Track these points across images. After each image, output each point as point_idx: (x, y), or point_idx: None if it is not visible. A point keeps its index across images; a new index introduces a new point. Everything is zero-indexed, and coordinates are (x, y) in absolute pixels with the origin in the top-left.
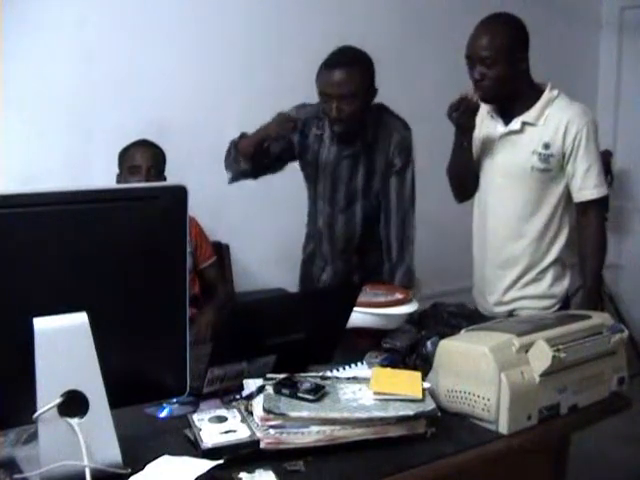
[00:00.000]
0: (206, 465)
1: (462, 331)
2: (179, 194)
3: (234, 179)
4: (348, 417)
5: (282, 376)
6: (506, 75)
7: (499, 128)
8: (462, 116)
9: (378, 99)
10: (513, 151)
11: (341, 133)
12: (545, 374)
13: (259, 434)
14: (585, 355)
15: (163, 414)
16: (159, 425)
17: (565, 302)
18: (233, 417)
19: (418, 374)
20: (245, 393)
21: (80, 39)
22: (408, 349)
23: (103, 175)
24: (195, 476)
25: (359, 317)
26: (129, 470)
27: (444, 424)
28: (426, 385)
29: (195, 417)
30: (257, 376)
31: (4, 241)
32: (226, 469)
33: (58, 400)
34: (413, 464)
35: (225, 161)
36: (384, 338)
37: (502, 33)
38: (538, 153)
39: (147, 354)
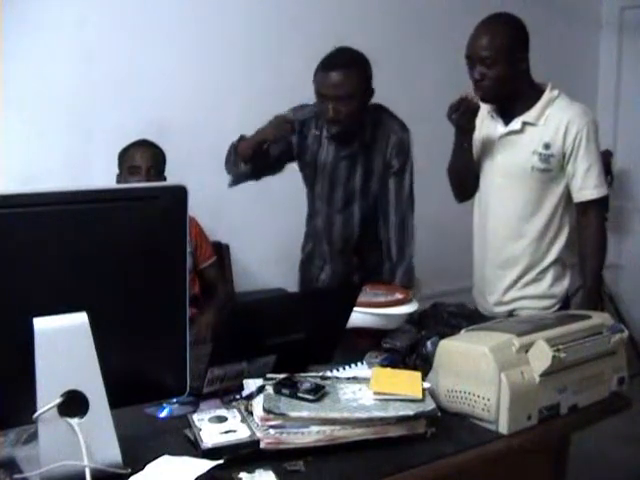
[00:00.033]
0: (206, 465)
1: (462, 331)
2: (179, 194)
3: (235, 182)
4: (348, 417)
5: (282, 376)
6: (506, 75)
7: (499, 128)
8: (462, 117)
9: (378, 99)
10: (513, 151)
11: (338, 134)
12: (545, 374)
13: (259, 434)
14: (585, 355)
15: (163, 414)
16: (159, 425)
17: (565, 302)
18: (233, 417)
19: (418, 374)
20: (245, 393)
21: (80, 39)
22: (408, 349)
23: (103, 175)
24: (195, 476)
25: (359, 317)
26: (129, 470)
27: (444, 424)
28: (426, 385)
29: (195, 417)
30: (257, 376)
31: (4, 241)
32: (226, 469)
33: (58, 400)
34: (413, 464)
35: (225, 164)
36: (384, 338)
37: (502, 33)
38: (538, 153)
39: (147, 354)
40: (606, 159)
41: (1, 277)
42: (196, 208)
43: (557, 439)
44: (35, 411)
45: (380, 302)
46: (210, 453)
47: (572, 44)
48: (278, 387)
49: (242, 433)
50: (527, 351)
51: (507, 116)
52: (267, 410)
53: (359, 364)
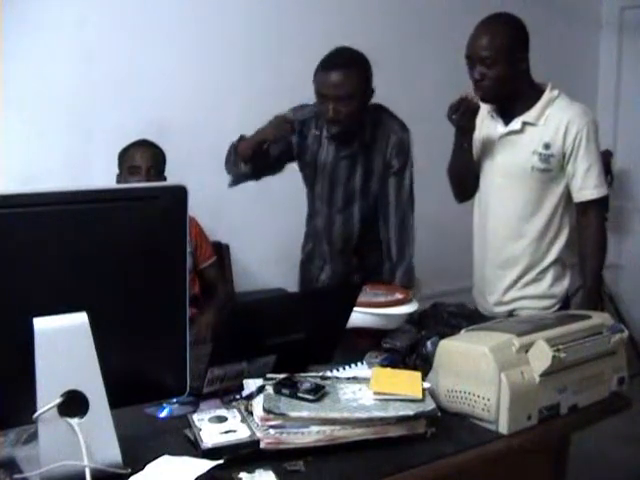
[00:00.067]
0: (206, 465)
1: (462, 331)
2: (179, 194)
3: (235, 182)
4: (348, 417)
5: (282, 376)
6: (506, 75)
7: (499, 128)
8: (462, 117)
9: (378, 99)
10: (513, 151)
11: (338, 134)
12: (545, 374)
13: (259, 434)
14: (585, 355)
15: (163, 414)
16: (159, 425)
17: (565, 302)
18: (233, 417)
19: (418, 374)
20: (245, 393)
21: (80, 39)
22: (408, 349)
23: (103, 175)
24: (195, 476)
25: (359, 317)
26: (129, 470)
27: (444, 424)
28: (426, 385)
29: (195, 417)
30: (257, 376)
31: (4, 241)
32: (226, 469)
33: (58, 400)
34: (413, 464)
35: (226, 165)
36: (384, 338)
37: (502, 33)
38: (538, 153)
39: (147, 354)
40: (606, 159)
41: (1, 277)
42: (196, 208)
43: (557, 439)
44: (35, 411)
45: (380, 302)
46: (210, 453)
47: (572, 44)
48: (278, 387)
49: (242, 433)
50: (527, 351)
51: (507, 116)
52: (267, 410)
53: (359, 364)
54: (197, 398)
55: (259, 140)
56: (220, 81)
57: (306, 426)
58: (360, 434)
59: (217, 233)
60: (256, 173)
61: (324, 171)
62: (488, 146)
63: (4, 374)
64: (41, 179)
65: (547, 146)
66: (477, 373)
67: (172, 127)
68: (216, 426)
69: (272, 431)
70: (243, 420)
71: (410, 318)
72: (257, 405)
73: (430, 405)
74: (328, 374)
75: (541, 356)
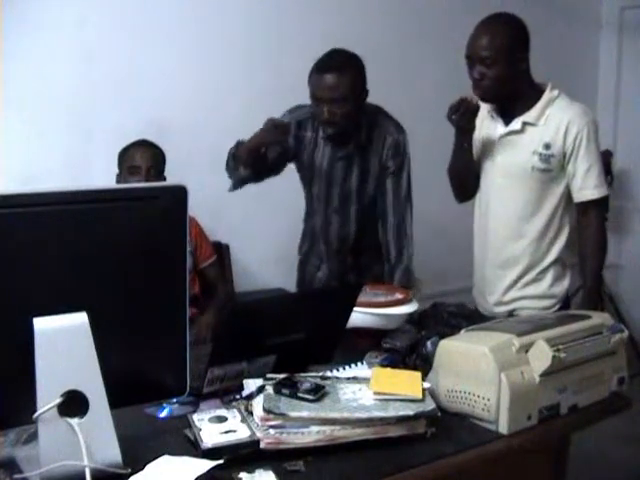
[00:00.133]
0: (206, 465)
1: (462, 331)
2: (179, 194)
3: (236, 186)
4: (348, 417)
5: (282, 376)
6: (506, 75)
7: (499, 128)
8: (462, 118)
9: (378, 99)
10: (513, 151)
11: (334, 135)
12: (545, 374)
13: (259, 434)
14: (585, 355)
15: (163, 414)
16: (159, 425)
17: (565, 302)
18: (233, 417)
19: (418, 374)
20: (245, 393)
21: (80, 39)
22: (408, 349)
23: (103, 175)
24: (195, 476)
25: (359, 317)
26: (129, 470)
27: (444, 424)
28: (426, 385)
29: (195, 417)
30: (257, 376)
31: (4, 241)
32: (226, 469)
33: (58, 400)
34: (413, 464)
35: (226, 170)
36: (384, 338)
37: (502, 33)
38: (539, 153)
39: (147, 354)
40: (606, 159)
41: (1, 277)
42: (196, 208)
43: (557, 439)
44: (35, 411)
45: (380, 302)
46: (210, 453)
47: (572, 44)
48: (278, 387)
49: (242, 433)
50: (527, 351)
51: (507, 116)
52: (267, 410)
53: (359, 364)
54: (197, 398)
55: (255, 145)
56: (220, 81)
57: (306, 426)
58: (360, 434)
59: (217, 233)
60: (256, 176)
61: (320, 172)
62: (488, 146)
63: (4, 374)
64: (41, 179)
65: (547, 146)
66: (477, 373)
67: (172, 127)
68: (216, 426)
69: (272, 431)
70: (243, 420)
71: (410, 318)
72: (257, 405)
73: (430, 405)
74: (328, 374)
75: (541, 356)
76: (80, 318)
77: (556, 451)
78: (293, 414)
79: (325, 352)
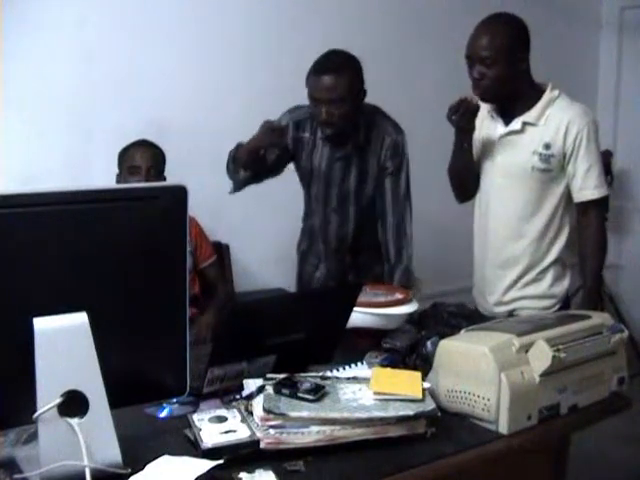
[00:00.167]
0: (206, 465)
1: (462, 331)
2: (179, 194)
3: (237, 188)
4: (348, 417)
5: (282, 376)
6: (505, 75)
7: (499, 128)
8: (462, 118)
9: (378, 99)
10: (514, 151)
11: (332, 135)
12: (545, 374)
13: (259, 434)
14: (585, 355)
15: (163, 414)
16: (159, 425)
17: (565, 302)
18: (233, 417)
19: (418, 374)
20: (245, 393)
21: (80, 39)
22: (408, 349)
23: (103, 175)
24: (195, 476)
25: (359, 317)
26: (129, 470)
27: (444, 424)
28: (426, 385)
29: (195, 417)
30: (257, 376)
31: (4, 241)
32: (226, 469)
33: (58, 400)
34: (413, 464)
35: (227, 172)
36: (384, 338)
37: (502, 33)
38: (539, 153)
39: (147, 354)
40: (606, 159)
41: (1, 277)
42: (196, 208)
43: (557, 439)
44: (35, 411)
45: (380, 302)
46: (210, 453)
47: (572, 44)
48: (278, 387)
49: (242, 433)
50: (527, 351)
51: (507, 116)
52: (267, 410)
53: (359, 364)
54: (197, 398)
55: (253, 148)
56: (220, 81)
57: (306, 426)
58: (360, 434)
59: (217, 233)
60: (256, 178)
61: (319, 172)
62: (488, 146)
63: (4, 374)
64: (41, 179)
65: (547, 146)
66: (477, 373)
67: (172, 127)
68: (216, 426)
69: (272, 431)
70: (243, 420)
71: (410, 318)
72: (257, 405)
73: (430, 405)
74: (328, 374)
75: (541, 356)
76: (80, 318)
77: (556, 451)
78: (293, 414)
79: (325, 352)
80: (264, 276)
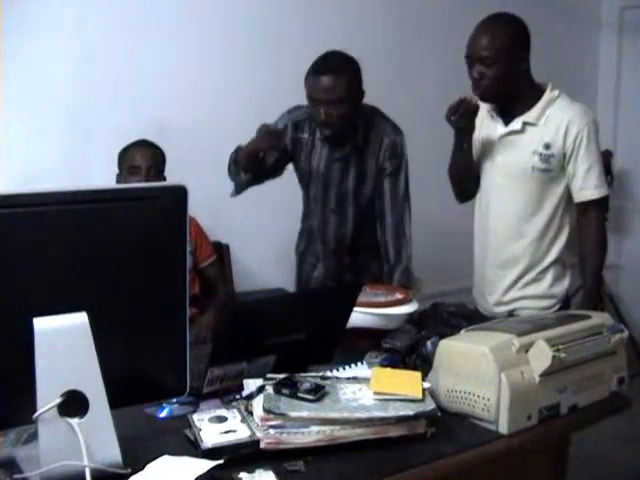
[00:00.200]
0: (206, 465)
1: (462, 331)
2: (179, 194)
3: (238, 191)
4: (348, 417)
5: (282, 376)
6: (505, 75)
7: (499, 128)
8: (461, 119)
9: (378, 99)
10: (514, 151)
11: (330, 136)
12: (545, 374)
13: (259, 434)
14: (585, 355)
15: (163, 414)
16: (159, 425)
17: (565, 302)
18: (233, 417)
19: (418, 374)
20: (245, 393)
21: (80, 39)
22: (408, 349)
23: (103, 175)
24: (195, 476)
25: (359, 317)
26: (129, 470)
27: (444, 424)
28: (426, 385)
29: (195, 417)
30: (257, 376)
31: (4, 241)
32: (226, 469)
33: (58, 400)
34: (413, 464)
35: (229, 175)
36: (384, 338)
37: (502, 33)
38: (539, 153)
39: (147, 354)
40: (606, 159)
41: (1, 277)
42: (196, 208)
43: (557, 439)
44: (35, 411)
45: (380, 302)
46: (210, 453)
47: (572, 44)
48: (278, 387)
49: (242, 433)
50: (527, 351)
51: (507, 116)
52: (267, 410)
53: (359, 364)
54: (197, 398)
55: (251, 151)
56: (220, 81)
57: (306, 426)
58: (360, 434)
59: (217, 233)
60: (257, 179)
61: (318, 173)
62: (488, 146)
63: (4, 374)
64: (41, 179)
65: (547, 146)
66: (477, 373)
67: (172, 127)
68: (216, 426)
69: (272, 431)
70: (243, 420)
71: (410, 318)
72: (257, 405)
73: (430, 405)
74: (328, 374)
75: (541, 356)
76: (80, 318)
77: (556, 451)
78: (293, 414)
79: (325, 352)
80: (264, 276)
